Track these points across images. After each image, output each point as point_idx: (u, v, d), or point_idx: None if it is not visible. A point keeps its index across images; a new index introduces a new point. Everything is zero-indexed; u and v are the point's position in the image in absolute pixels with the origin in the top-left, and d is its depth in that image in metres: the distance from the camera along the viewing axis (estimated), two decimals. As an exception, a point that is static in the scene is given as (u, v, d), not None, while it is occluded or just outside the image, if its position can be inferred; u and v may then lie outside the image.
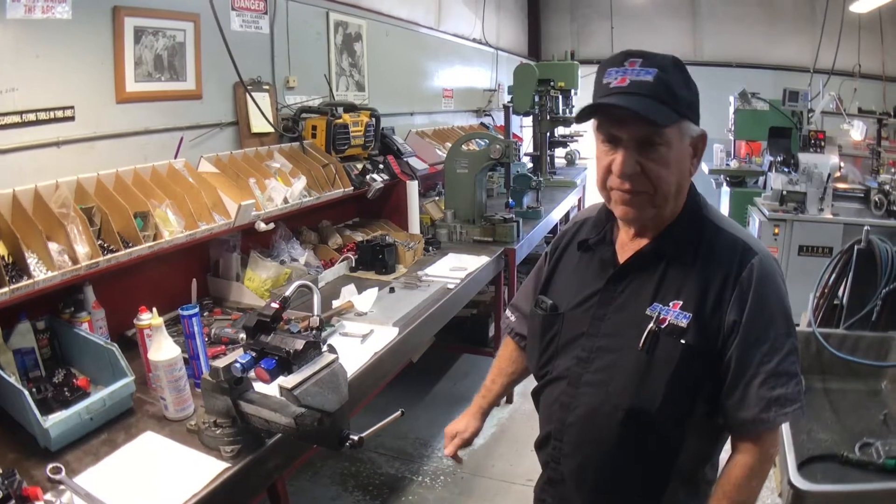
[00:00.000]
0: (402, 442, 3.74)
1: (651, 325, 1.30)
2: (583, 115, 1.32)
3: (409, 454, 3.62)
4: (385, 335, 2.44)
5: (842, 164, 5.47)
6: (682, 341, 1.28)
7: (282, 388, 1.42)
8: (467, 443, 1.87)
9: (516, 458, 3.60)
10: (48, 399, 1.81)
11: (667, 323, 1.30)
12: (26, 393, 1.66)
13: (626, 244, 1.43)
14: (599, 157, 1.34)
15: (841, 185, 5.39)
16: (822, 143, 5.40)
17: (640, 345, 1.31)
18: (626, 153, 1.27)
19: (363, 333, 2.42)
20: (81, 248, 1.96)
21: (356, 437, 1.49)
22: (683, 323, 1.28)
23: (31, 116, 2.10)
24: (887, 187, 4.99)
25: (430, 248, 3.78)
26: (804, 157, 5.17)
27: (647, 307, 1.33)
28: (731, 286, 1.28)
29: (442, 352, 4.31)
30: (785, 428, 2.12)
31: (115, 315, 2.24)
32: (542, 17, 9.00)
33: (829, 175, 5.02)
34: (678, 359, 1.28)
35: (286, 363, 1.47)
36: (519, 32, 8.54)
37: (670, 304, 1.31)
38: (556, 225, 5.54)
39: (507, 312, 1.81)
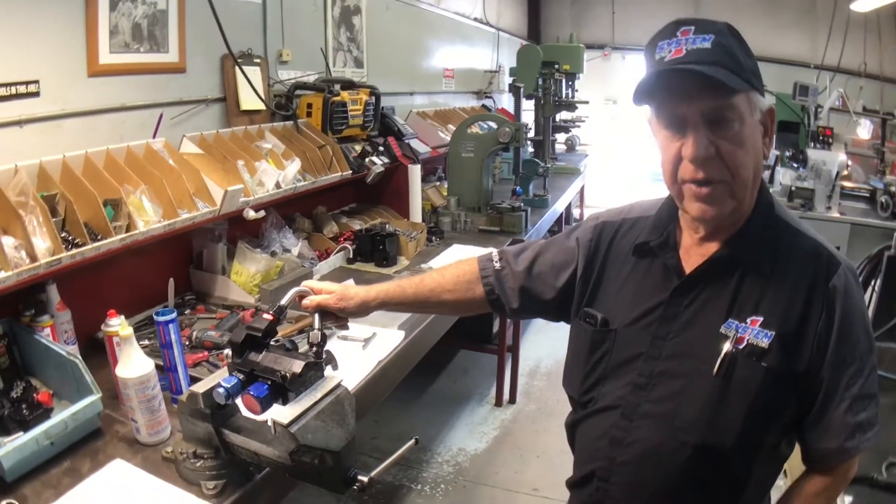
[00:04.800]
0: (400, 445, 3.47)
1: (727, 345, 1.12)
2: (642, 93, 1.11)
3: (408, 459, 3.38)
4: (390, 339, 2.18)
5: (849, 162, 5.36)
6: (764, 364, 1.11)
7: (276, 425, 1.16)
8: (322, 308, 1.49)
9: (521, 464, 3.39)
10: (4, 418, 1.57)
11: (745, 343, 1.12)
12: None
13: (691, 248, 1.23)
14: (665, 147, 1.14)
15: (847, 184, 5.26)
16: (830, 140, 5.33)
17: (716, 369, 1.12)
18: (697, 133, 1.08)
19: (365, 337, 2.15)
20: (41, 243, 1.68)
21: (365, 478, 1.23)
22: (765, 343, 1.11)
23: (-10, 92, 1.82)
24: (894, 188, 4.84)
25: (433, 237, 3.52)
26: (813, 154, 5.04)
27: (720, 324, 1.15)
28: (819, 300, 1.11)
29: (440, 347, 4.07)
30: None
31: (84, 314, 1.96)
32: (542, -1, 8.76)
33: (838, 173, 4.89)
34: (759, 385, 1.11)
35: (281, 389, 1.21)
36: (519, 14, 8.28)
37: (748, 320, 1.13)
38: (562, 215, 5.29)
39: (494, 254, 1.52)
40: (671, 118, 1.11)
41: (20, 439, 1.44)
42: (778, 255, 1.15)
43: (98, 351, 1.86)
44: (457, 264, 1.56)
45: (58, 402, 1.69)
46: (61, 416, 1.52)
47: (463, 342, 4.12)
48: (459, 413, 3.87)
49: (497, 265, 1.49)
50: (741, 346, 1.12)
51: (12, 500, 1.34)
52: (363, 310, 1.53)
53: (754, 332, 1.11)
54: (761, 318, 1.12)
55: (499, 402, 4.00)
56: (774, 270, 1.14)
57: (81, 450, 1.56)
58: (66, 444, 1.54)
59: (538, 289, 1.44)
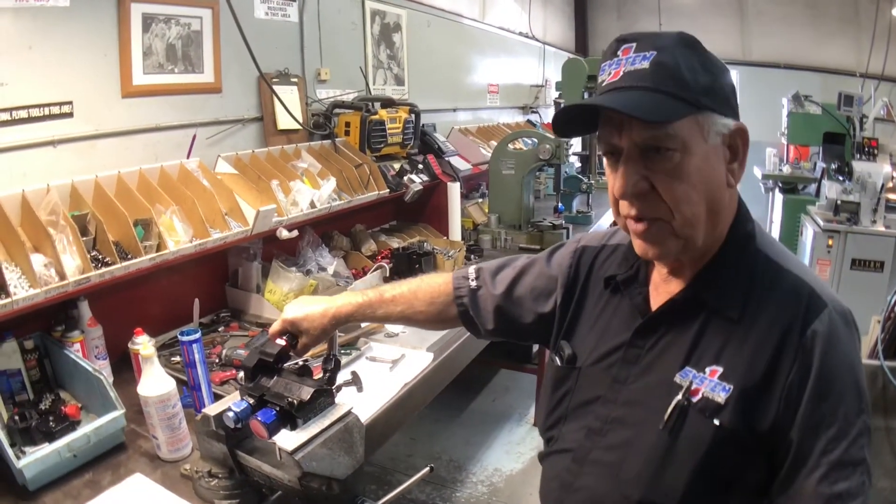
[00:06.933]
0: (435, 464, 3.43)
1: (679, 396, 1.01)
2: (560, 127, 1.06)
3: (442, 478, 3.34)
4: (418, 361, 2.15)
5: (894, 174, 5.11)
6: (716, 422, 0.98)
7: (281, 451, 1.15)
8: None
9: (560, 487, 3.29)
10: (31, 429, 1.60)
11: (699, 395, 1.00)
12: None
13: (660, 285, 1.13)
14: (608, 177, 1.05)
15: (893, 196, 5.03)
16: (876, 151, 5.12)
17: (664, 422, 1.01)
18: (626, 166, 0.98)
19: (393, 359, 2.14)
20: (70, 261, 1.71)
21: (372, 507, 1.21)
22: (721, 397, 0.98)
23: (23, 113, 1.87)
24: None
25: (472, 255, 3.48)
26: (858, 166, 4.85)
27: (676, 372, 1.03)
28: (793, 350, 0.96)
29: (480, 366, 4.02)
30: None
31: (118, 329, 1.98)
32: (589, 12, 8.67)
33: (883, 185, 4.70)
34: (708, 444, 0.98)
35: (289, 416, 1.19)
36: (566, 27, 8.21)
37: (707, 370, 1.01)
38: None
39: (471, 271, 1.44)
40: (607, 147, 1.02)
41: (42, 450, 1.47)
42: (751, 296, 1.02)
43: (129, 366, 1.88)
44: (430, 280, 1.47)
45: (86, 415, 1.72)
46: (84, 430, 1.54)
47: (503, 361, 4.07)
48: (497, 433, 3.81)
49: (473, 284, 1.41)
50: (694, 399, 1.00)
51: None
52: (331, 329, 1.40)
53: (711, 384, 0.99)
54: (721, 369, 1.00)
55: (537, 422, 3.91)
56: (745, 314, 1.01)
57: (104, 463, 1.58)
58: (89, 457, 1.57)
59: (516, 312, 1.36)
